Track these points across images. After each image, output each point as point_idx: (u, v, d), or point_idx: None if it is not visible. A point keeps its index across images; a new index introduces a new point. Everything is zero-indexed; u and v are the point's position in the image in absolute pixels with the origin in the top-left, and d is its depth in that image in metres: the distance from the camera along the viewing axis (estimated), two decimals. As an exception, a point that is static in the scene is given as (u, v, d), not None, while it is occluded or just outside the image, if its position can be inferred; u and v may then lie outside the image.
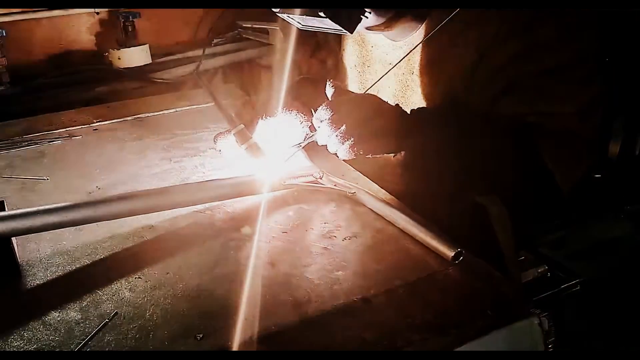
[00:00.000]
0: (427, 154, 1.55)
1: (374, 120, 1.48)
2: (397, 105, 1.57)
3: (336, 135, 1.46)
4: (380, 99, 1.55)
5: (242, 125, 1.64)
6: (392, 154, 1.61)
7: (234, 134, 1.65)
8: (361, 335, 1.10)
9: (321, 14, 1.44)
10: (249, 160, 1.68)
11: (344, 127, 1.45)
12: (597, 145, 1.65)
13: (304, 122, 1.65)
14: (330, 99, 1.55)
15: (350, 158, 1.50)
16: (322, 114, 1.47)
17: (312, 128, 1.55)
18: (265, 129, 1.71)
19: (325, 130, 1.47)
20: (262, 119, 1.72)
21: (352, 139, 1.45)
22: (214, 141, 1.80)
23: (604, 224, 2.15)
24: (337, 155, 1.50)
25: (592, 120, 1.59)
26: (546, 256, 1.70)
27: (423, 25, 1.69)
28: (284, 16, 1.61)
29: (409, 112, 1.58)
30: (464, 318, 1.15)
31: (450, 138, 1.53)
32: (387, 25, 1.65)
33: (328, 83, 1.57)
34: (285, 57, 1.84)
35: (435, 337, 1.09)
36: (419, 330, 1.10)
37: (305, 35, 1.83)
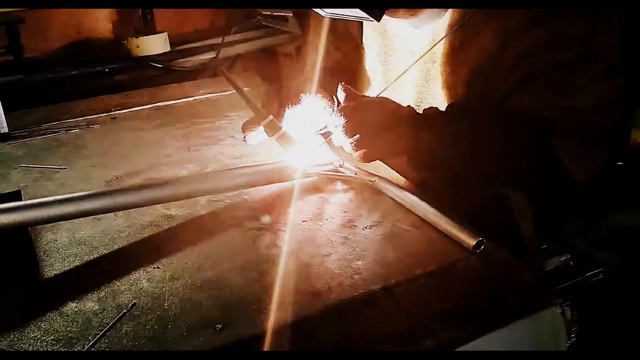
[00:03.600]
0: (440, 154, 1.55)
1: (387, 128, 1.50)
2: (409, 107, 1.58)
3: (350, 143, 1.49)
4: (392, 102, 1.57)
5: (270, 116, 1.63)
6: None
7: (263, 126, 1.64)
8: (381, 324, 1.09)
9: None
10: (269, 149, 1.68)
11: (357, 136, 1.48)
12: (615, 137, 1.62)
13: (329, 112, 1.64)
14: (342, 103, 1.56)
15: (364, 163, 1.54)
16: (336, 120, 1.48)
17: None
18: (293, 119, 1.69)
19: (340, 137, 1.50)
20: (288, 108, 1.71)
21: (365, 150, 1.50)
22: (242, 130, 1.78)
23: (626, 212, 2.13)
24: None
25: (611, 114, 1.57)
26: (569, 245, 1.69)
27: (447, 12, 1.67)
28: None
29: (422, 112, 1.59)
30: (486, 307, 1.13)
31: (464, 136, 1.53)
32: (413, 11, 1.63)
33: (340, 87, 1.57)
34: (308, 46, 1.83)
35: (457, 326, 1.08)
36: (440, 320, 1.09)
37: (326, 25, 1.82)
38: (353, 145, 1.49)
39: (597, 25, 1.51)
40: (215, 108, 2.35)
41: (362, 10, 1.44)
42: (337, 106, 1.58)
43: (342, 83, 1.58)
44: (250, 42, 3.32)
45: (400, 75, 1.57)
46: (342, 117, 1.48)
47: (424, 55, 1.65)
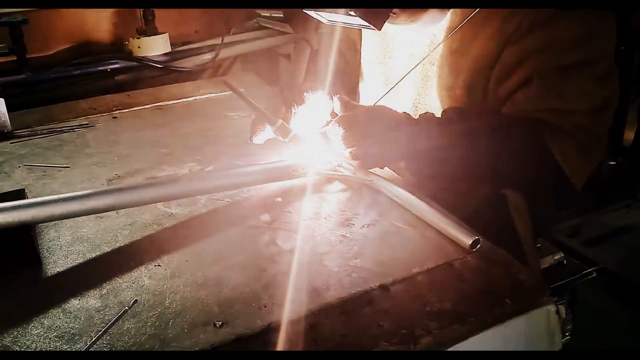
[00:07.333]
0: (437, 158, 1.57)
1: (384, 136, 1.51)
2: (405, 113, 1.61)
3: (349, 152, 1.53)
4: (388, 110, 1.59)
5: (280, 120, 1.65)
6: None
7: (274, 131, 1.66)
8: (379, 322, 1.10)
9: (351, 12, 1.44)
10: (268, 149, 1.70)
11: (355, 148, 1.52)
12: (608, 140, 1.63)
13: (329, 116, 1.65)
14: (339, 114, 1.58)
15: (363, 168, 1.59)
16: (334, 129, 1.51)
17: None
18: (298, 119, 1.70)
19: (339, 146, 1.54)
20: (294, 109, 1.71)
21: (363, 158, 1.55)
22: (251, 131, 1.78)
23: (618, 211, 2.14)
24: None
25: (605, 118, 1.59)
26: (562, 243, 1.70)
27: (447, 15, 1.68)
28: (311, 12, 1.60)
29: (417, 117, 1.60)
30: (482, 306, 1.15)
31: (460, 139, 1.54)
32: (413, 18, 1.64)
33: (335, 98, 1.58)
34: (306, 48, 1.84)
35: (453, 325, 1.09)
36: (437, 318, 1.11)
37: (324, 27, 1.83)
38: (352, 154, 1.52)
39: (594, 29, 1.53)
40: (215, 108, 2.35)
41: (363, 19, 1.45)
42: (335, 116, 1.59)
43: (338, 95, 1.60)
44: (250, 42, 3.33)
45: (401, 79, 1.58)
46: (340, 127, 1.51)
47: (424, 59, 1.66)
